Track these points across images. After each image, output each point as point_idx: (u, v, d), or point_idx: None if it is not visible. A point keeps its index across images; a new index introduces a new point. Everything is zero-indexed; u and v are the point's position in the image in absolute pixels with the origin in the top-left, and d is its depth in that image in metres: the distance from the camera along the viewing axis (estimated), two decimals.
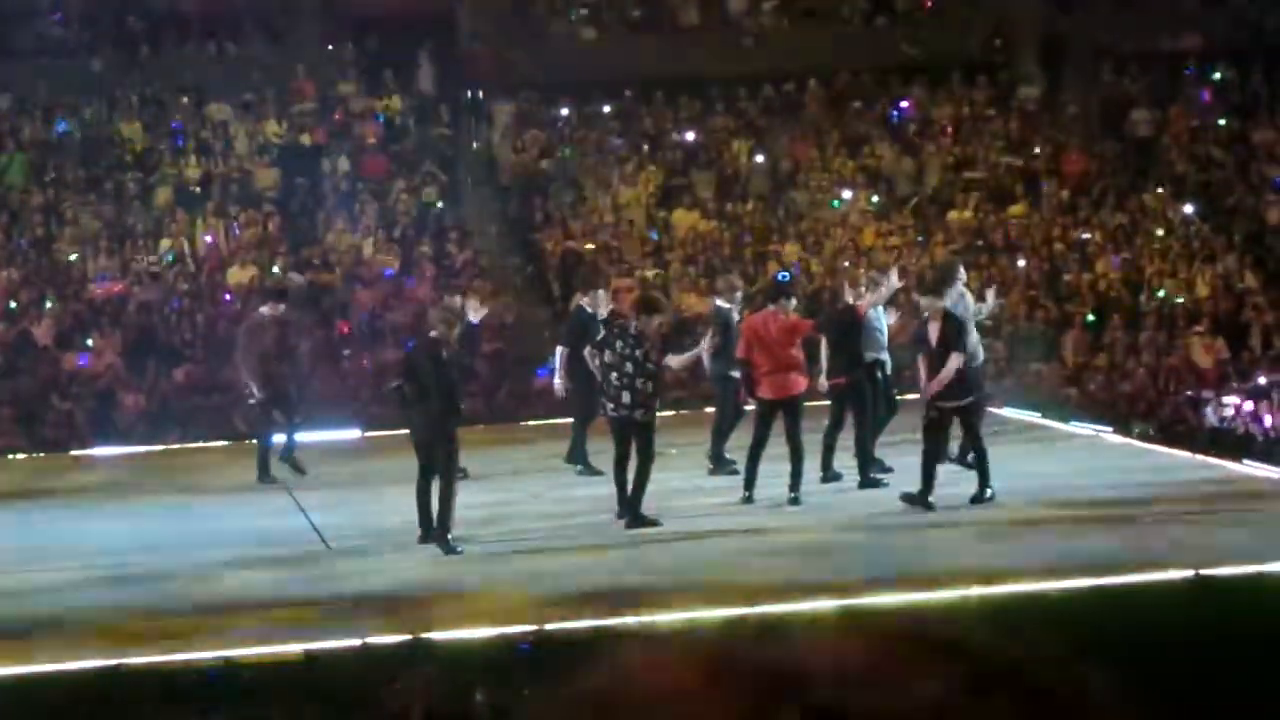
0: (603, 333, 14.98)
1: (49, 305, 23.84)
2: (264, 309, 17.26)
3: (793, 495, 14.94)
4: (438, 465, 13.63)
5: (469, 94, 28.81)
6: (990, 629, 1.15)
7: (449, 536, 13.54)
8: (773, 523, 14.23)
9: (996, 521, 13.90)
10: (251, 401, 17.34)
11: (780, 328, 15.08)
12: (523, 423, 20.44)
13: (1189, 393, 21.19)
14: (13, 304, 23.88)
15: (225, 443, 20.64)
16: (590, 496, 15.46)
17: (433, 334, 14.20)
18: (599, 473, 15.70)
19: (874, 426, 15.99)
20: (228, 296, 24.28)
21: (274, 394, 16.88)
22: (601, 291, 17.09)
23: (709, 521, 14.45)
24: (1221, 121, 28.58)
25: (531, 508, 15.53)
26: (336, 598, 12.13)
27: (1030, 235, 26.52)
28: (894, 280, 16.56)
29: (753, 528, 14.05)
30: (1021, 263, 25.69)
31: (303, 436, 20.18)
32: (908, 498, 14.47)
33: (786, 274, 25.02)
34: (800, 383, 15.11)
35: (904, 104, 29.22)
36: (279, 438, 17.19)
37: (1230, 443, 18.61)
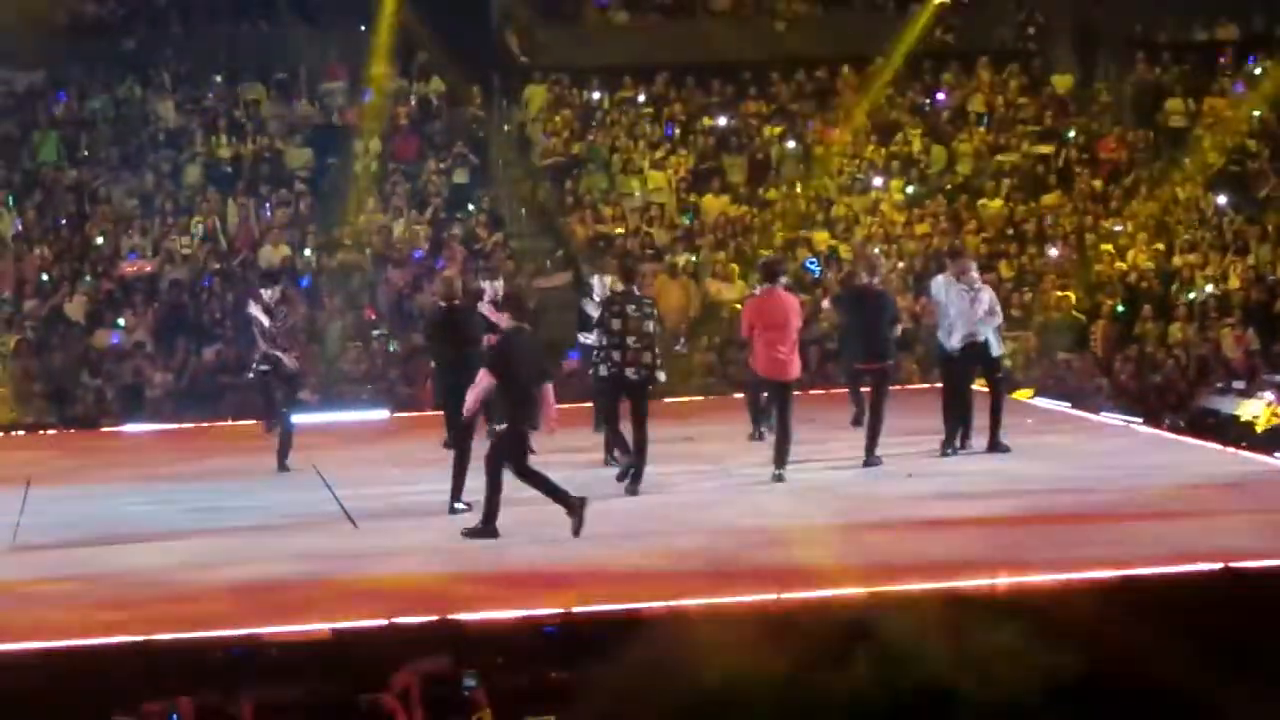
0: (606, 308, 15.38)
1: (82, 282, 23.90)
2: (265, 292, 16.87)
3: (778, 472, 15.28)
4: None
5: (500, 76, 28.76)
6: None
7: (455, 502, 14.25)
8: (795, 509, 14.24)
9: (1021, 512, 13.85)
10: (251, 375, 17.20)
11: (784, 307, 15.38)
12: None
13: (1219, 384, 21.09)
14: (45, 278, 23.95)
15: (254, 421, 20.65)
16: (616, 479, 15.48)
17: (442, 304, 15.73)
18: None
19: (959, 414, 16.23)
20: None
21: (276, 376, 16.72)
22: (605, 276, 17.22)
23: (738, 507, 14.45)
24: (1256, 112, 28.42)
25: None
26: (364, 577, 12.12)
27: (1062, 224, 26.43)
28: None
29: (784, 513, 14.04)
30: (1054, 252, 25.61)
31: (331, 417, 20.33)
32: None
33: (815, 261, 25.03)
34: (796, 367, 15.44)
35: (940, 95, 29.14)
36: (296, 418, 17.14)
37: (1260, 435, 18.52)
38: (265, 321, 16.60)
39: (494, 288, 16.91)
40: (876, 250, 17.31)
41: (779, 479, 15.26)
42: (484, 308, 16.97)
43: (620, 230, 25.97)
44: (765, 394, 16.44)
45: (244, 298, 17.68)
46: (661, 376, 15.14)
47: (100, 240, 24.97)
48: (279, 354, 16.59)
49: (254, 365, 16.95)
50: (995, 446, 16.65)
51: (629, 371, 14.91)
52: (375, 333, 23.64)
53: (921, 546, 12.46)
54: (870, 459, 16.08)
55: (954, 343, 16.50)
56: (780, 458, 15.36)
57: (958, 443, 16.68)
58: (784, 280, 15.91)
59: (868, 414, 16.37)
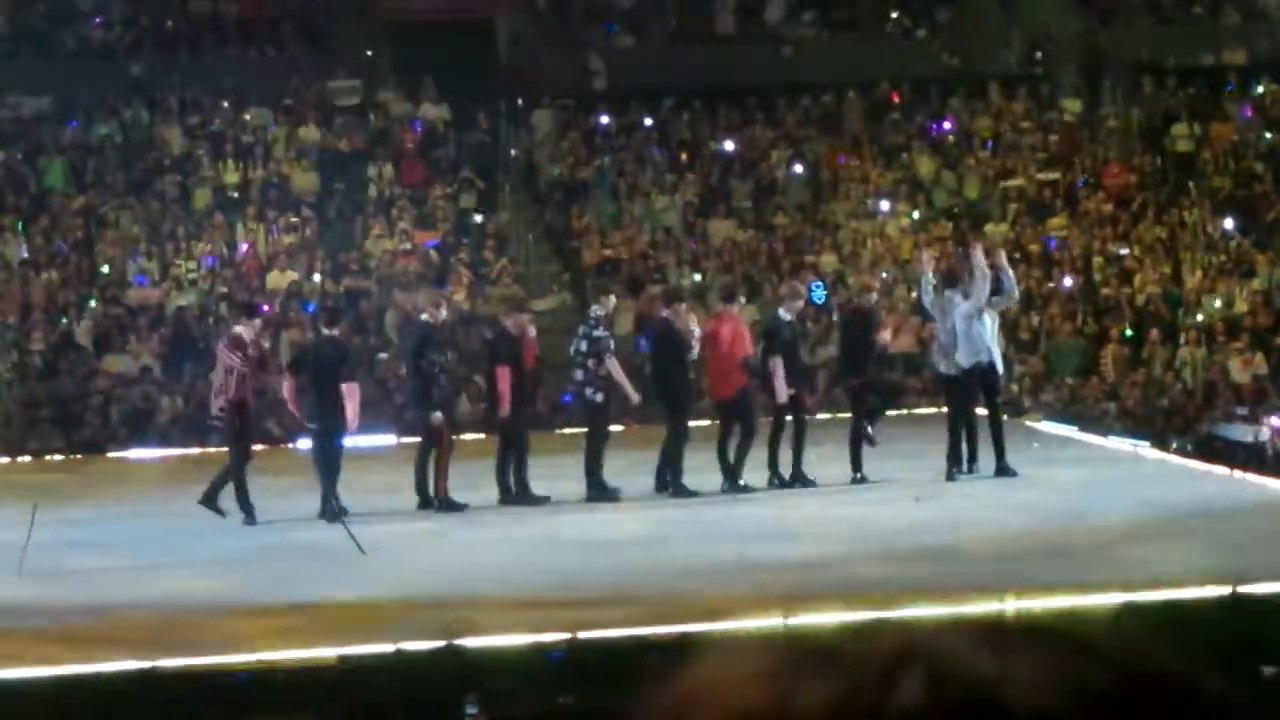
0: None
1: (89, 308, 23.93)
2: (238, 328, 16.03)
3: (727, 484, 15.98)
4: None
5: (507, 102, 28.82)
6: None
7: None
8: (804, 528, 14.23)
9: (1030, 537, 13.83)
10: (216, 423, 16.18)
11: (732, 330, 16.04)
12: (557, 431, 20.41)
13: (1227, 409, 21.09)
14: (54, 304, 23.99)
15: (261, 447, 20.67)
16: (630, 505, 15.47)
17: (423, 317, 16.17)
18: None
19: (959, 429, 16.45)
20: (265, 306, 24.23)
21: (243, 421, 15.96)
22: (611, 299, 17.30)
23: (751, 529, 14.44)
24: (1267, 135, 28.44)
25: (571, 516, 15.58)
26: (371, 602, 12.15)
27: (1069, 249, 26.44)
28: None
29: (787, 532, 14.03)
30: (1068, 281, 25.57)
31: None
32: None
33: (820, 285, 25.07)
34: (738, 387, 16.09)
35: (946, 123, 29.18)
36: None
37: (1270, 459, 18.50)
38: (236, 361, 15.60)
39: (605, 304, 16.94)
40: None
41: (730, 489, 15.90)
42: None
43: (626, 254, 26.02)
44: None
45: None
46: (598, 397, 15.95)
47: (107, 267, 24.98)
48: (244, 398, 15.80)
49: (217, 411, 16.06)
50: (1002, 470, 16.65)
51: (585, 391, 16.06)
52: (380, 356, 23.67)
53: (924, 572, 12.46)
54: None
55: (962, 364, 16.46)
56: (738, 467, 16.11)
57: (964, 466, 16.66)
58: (737, 305, 16.96)
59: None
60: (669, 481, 16.10)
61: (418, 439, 16.67)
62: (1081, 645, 1.13)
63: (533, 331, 16.63)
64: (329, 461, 15.70)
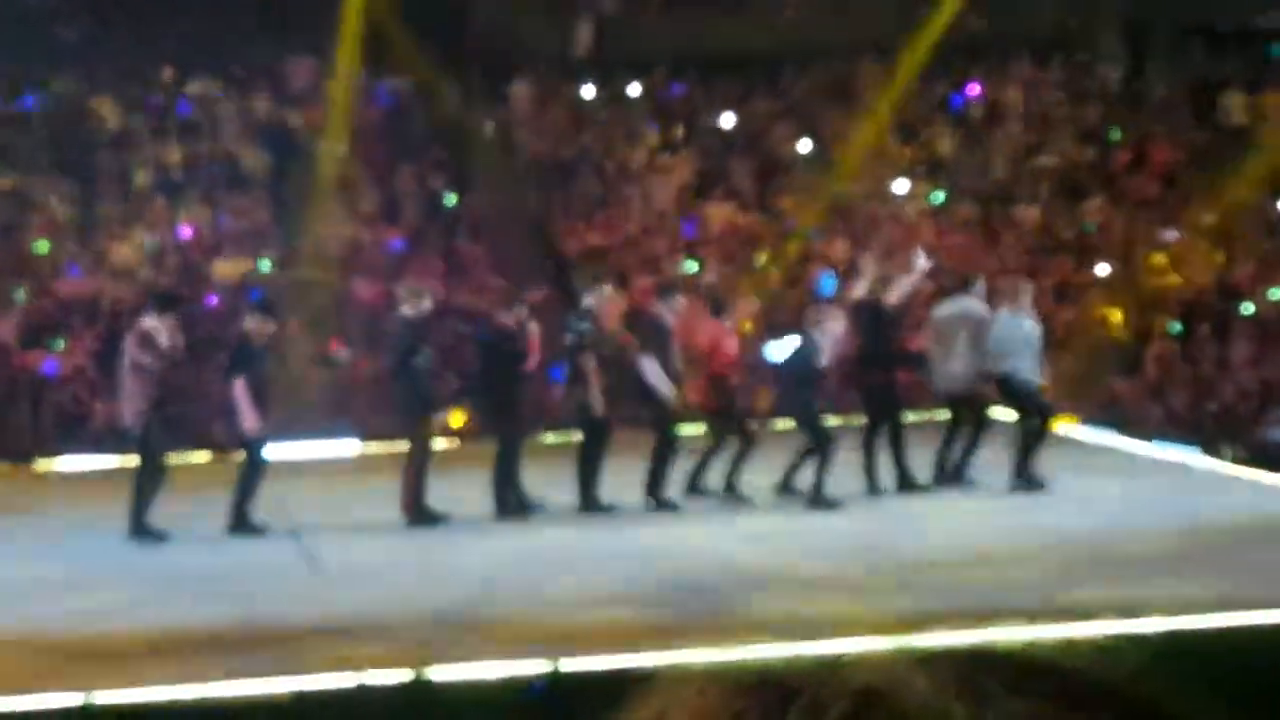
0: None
1: (15, 300, 23.85)
2: (148, 320, 16.07)
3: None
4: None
5: (482, 71, 28.79)
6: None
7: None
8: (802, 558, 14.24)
9: (1069, 556, 13.82)
10: (145, 432, 15.94)
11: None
12: (541, 437, 20.40)
13: None
14: None
15: (207, 456, 20.78)
16: (623, 523, 15.51)
17: (403, 310, 16.27)
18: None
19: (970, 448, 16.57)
20: (213, 298, 24.36)
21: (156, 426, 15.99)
22: (605, 289, 17.51)
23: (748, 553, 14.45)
24: None
25: (555, 532, 15.64)
26: (327, 629, 12.12)
27: (1108, 234, 26.44)
28: (921, 264, 17.40)
29: (786, 560, 14.04)
30: (1107, 270, 25.58)
31: (294, 449, 20.30)
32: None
33: (831, 276, 25.05)
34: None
35: (973, 89, 29.19)
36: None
37: None
38: (146, 360, 15.70)
39: (598, 295, 17.04)
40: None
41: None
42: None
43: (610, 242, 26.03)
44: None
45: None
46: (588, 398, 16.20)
47: (36, 253, 24.94)
48: (160, 402, 15.89)
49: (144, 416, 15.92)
50: (1023, 481, 16.72)
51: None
52: (341, 354, 23.66)
53: (941, 594, 12.48)
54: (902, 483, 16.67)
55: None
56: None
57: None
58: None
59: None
60: (655, 494, 16.38)
61: (386, 446, 16.70)
62: (1072, 692, 1.12)
63: (534, 327, 16.69)
64: (244, 471, 15.97)
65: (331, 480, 19.23)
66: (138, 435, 15.84)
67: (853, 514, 15.98)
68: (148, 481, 15.82)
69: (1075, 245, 26.39)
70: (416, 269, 24.71)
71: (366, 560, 14.68)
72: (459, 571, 14.03)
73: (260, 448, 15.95)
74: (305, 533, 15.84)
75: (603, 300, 17.08)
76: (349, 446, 21.62)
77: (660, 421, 16.40)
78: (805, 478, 16.42)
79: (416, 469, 16.16)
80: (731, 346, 16.77)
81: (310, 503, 17.40)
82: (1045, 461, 16.94)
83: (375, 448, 21.20)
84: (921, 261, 17.65)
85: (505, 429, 16.41)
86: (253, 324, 16.24)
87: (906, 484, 16.74)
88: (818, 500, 16.18)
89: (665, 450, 16.35)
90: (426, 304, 16.70)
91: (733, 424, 16.74)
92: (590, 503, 16.34)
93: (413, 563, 14.55)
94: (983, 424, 17.02)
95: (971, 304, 17.43)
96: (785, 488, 16.68)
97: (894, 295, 17.12)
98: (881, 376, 16.98)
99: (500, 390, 16.37)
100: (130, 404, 15.82)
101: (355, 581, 13.84)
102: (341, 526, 16.21)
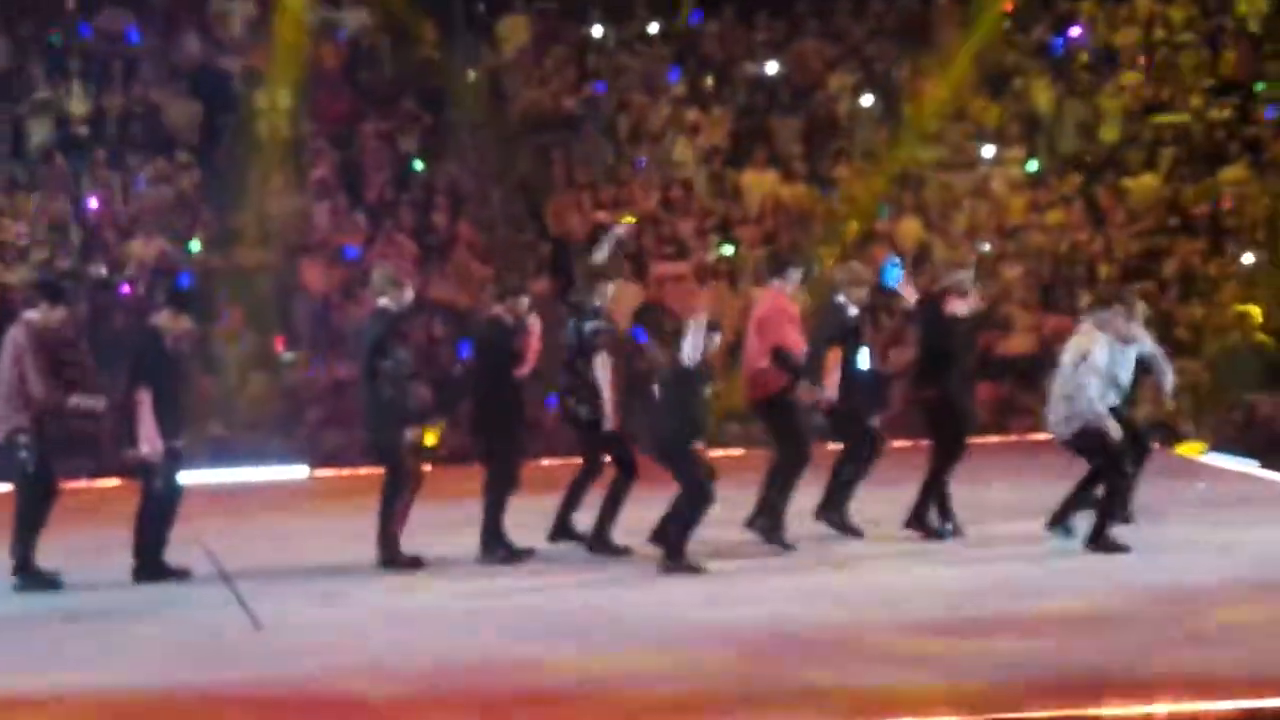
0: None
1: None
2: (32, 313, 16.01)
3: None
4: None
5: (465, 4, 28.76)
6: None
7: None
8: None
9: (1198, 613, 13.77)
10: (23, 453, 15.82)
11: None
12: (539, 462, 20.37)
13: None
14: None
15: (116, 481, 20.77)
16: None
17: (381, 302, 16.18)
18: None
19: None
20: (125, 287, 24.31)
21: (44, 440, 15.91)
22: (610, 287, 17.47)
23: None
24: None
25: (547, 579, 15.59)
26: (271, 701, 12.03)
27: (1249, 210, 26.34)
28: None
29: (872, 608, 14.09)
30: (1247, 257, 25.49)
31: (228, 475, 20.22)
32: None
33: (897, 262, 25.04)
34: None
35: (1076, 31, 29.10)
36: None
37: None
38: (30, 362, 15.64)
39: (603, 293, 17.03)
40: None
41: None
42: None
43: (629, 218, 25.96)
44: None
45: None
46: (582, 410, 16.48)
47: None
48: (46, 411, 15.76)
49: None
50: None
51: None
52: (285, 356, 23.64)
53: (1033, 657, 12.46)
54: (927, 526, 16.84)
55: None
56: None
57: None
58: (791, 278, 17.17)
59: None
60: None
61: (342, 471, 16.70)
62: None
63: (535, 323, 16.67)
64: (142, 504, 15.92)
65: (275, 513, 19.25)
66: (20, 456, 15.76)
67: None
68: (24, 510, 15.77)
69: (1206, 225, 26.38)
70: (381, 251, 24.66)
71: (321, 618, 14.60)
72: (447, 630, 13.93)
73: (161, 475, 15.84)
74: (239, 579, 15.74)
75: (608, 298, 17.07)
76: (295, 472, 21.71)
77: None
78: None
79: (400, 501, 16.10)
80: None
81: (247, 542, 17.37)
82: (1164, 499, 16.85)
83: (327, 474, 21.19)
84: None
85: (500, 451, 16.34)
86: (164, 319, 16.11)
87: (943, 517, 16.89)
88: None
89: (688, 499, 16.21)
90: (408, 295, 16.59)
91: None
92: (601, 545, 16.36)
93: (390, 618, 14.41)
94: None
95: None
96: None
97: (964, 302, 17.02)
98: (938, 391, 16.94)
99: (493, 402, 16.28)
100: (11, 414, 15.69)
101: (305, 635, 13.76)
102: (290, 571, 16.15)
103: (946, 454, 16.79)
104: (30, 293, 17.62)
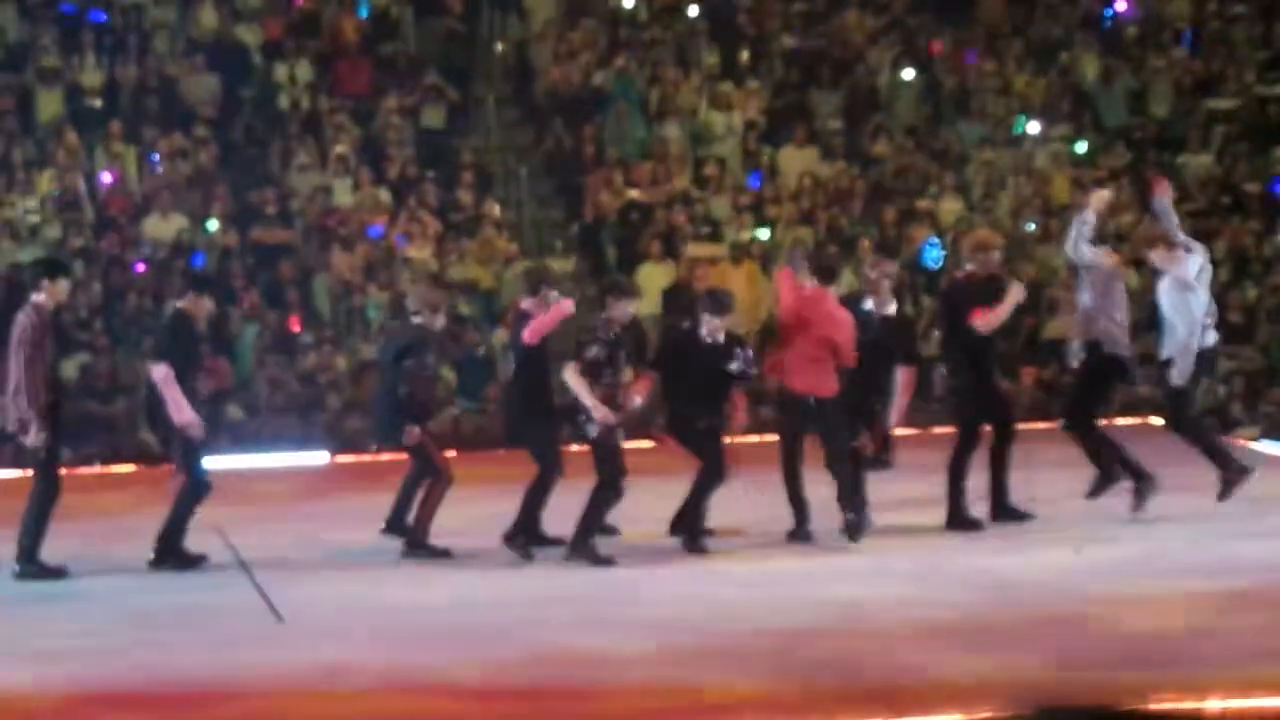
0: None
1: None
2: (38, 296, 15.76)
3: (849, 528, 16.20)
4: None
5: None
6: None
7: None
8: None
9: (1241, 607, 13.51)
10: (30, 442, 15.70)
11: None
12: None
13: None
14: None
15: (133, 467, 20.81)
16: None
17: (416, 320, 16.24)
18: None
19: None
20: (140, 265, 24.17)
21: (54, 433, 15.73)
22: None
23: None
24: None
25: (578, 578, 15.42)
26: (285, 689, 12.05)
27: None
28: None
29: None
30: None
31: (248, 461, 20.13)
32: None
33: (936, 244, 24.84)
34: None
35: (1124, 3, 29.18)
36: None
37: None
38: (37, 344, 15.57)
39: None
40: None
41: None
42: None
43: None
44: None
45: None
46: (590, 429, 15.91)
47: None
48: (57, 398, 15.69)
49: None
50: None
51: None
52: (304, 340, 23.54)
53: (1087, 650, 12.39)
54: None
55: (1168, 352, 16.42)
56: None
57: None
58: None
59: None
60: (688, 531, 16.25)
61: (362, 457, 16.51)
62: None
63: (567, 304, 16.39)
64: (181, 492, 15.75)
65: (295, 500, 19.27)
66: (33, 443, 15.60)
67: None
68: (40, 499, 15.63)
69: (1260, 205, 26.27)
70: (404, 228, 24.56)
71: (342, 607, 14.51)
72: (486, 622, 13.83)
73: (198, 457, 15.62)
74: (258, 568, 15.69)
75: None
76: (316, 458, 21.67)
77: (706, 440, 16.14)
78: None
79: (430, 490, 16.04)
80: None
81: (267, 529, 17.39)
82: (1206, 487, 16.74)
83: (348, 460, 21.28)
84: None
85: (541, 441, 16.07)
86: (188, 303, 15.88)
87: (955, 517, 16.78)
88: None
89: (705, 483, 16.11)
90: (440, 321, 16.67)
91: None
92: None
93: (418, 608, 14.34)
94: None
95: None
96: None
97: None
98: (967, 376, 16.81)
99: (531, 403, 16.08)
100: (18, 399, 15.48)
101: (326, 628, 13.71)
102: (310, 561, 16.15)
103: (962, 443, 16.70)
104: (31, 271, 17.26)
